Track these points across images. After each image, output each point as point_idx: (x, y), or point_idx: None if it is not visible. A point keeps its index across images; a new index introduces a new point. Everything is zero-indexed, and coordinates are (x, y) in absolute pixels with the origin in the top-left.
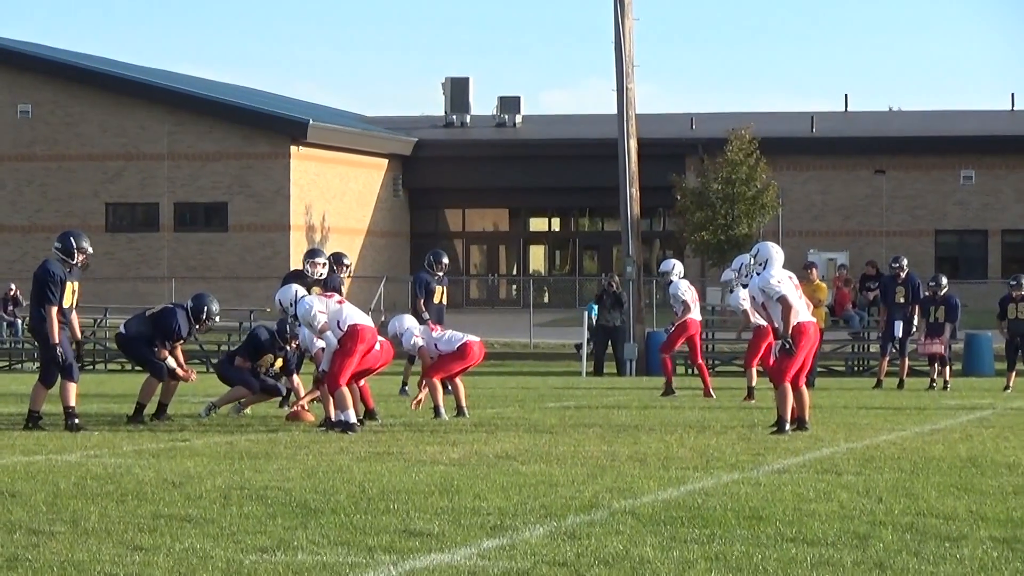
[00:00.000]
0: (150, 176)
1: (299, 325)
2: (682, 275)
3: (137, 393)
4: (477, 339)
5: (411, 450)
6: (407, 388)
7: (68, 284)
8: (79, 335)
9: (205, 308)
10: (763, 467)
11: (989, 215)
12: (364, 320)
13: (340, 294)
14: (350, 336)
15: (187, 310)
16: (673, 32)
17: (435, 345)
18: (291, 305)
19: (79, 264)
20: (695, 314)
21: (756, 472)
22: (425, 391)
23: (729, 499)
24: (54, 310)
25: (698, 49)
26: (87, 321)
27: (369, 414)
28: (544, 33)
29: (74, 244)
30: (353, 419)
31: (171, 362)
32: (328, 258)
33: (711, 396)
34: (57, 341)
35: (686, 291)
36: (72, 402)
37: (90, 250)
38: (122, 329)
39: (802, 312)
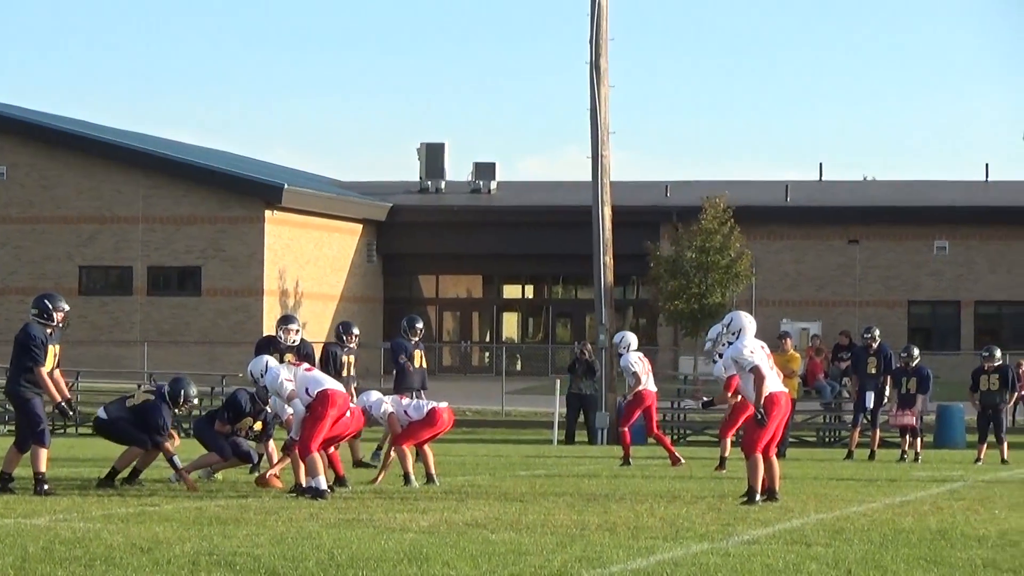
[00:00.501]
0: (124, 239)
1: (270, 394)
2: (633, 347)
3: (113, 458)
4: (445, 405)
5: (381, 517)
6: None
7: (50, 347)
8: (67, 393)
9: (183, 392)
10: (733, 538)
11: (962, 286)
12: (334, 386)
13: (312, 361)
14: (320, 401)
15: (165, 397)
16: (649, 100)
17: (404, 412)
18: (261, 375)
19: (59, 324)
20: (648, 385)
21: (726, 543)
22: (393, 459)
23: (698, 569)
24: (43, 371)
25: (673, 117)
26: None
27: (339, 481)
28: (520, 99)
29: (50, 306)
30: (323, 485)
31: (176, 461)
32: (302, 326)
33: (680, 461)
34: (60, 399)
35: (636, 363)
36: (43, 468)
37: (67, 308)
38: (102, 414)
39: (774, 382)
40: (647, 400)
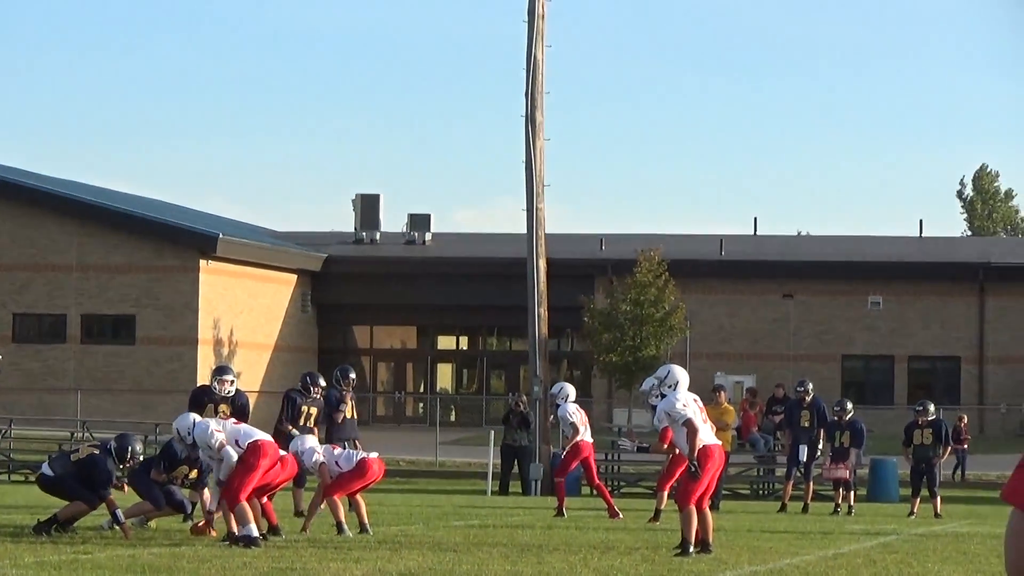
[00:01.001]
0: (58, 287)
1: (200, 449)
2: (571, 398)
3: (46, 505)
4: (376, 456)
5: (314, 567)
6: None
7: None
8: None
9: (129, 448)
10: None
11: (896, 341)
12: (264, 437)
13: (246, 414)
14: (252, 451)
15: (111, 452)
16: (584, 152)
17: (336, 463)
18: (188, 433)
19: None
20: (586, 436)
21: None
22: (324, 508)
23: None
24: None
25: (608, 170)
26: None
27: (273, 530)
28: (455, 152)
29: None
30: (255, 533)
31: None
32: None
33: (618, 515)
34: None
35: (574, 413)
36: None
37: (1, 358)
38: (47, 470)
39: (707, 435)
40: (584, 451)
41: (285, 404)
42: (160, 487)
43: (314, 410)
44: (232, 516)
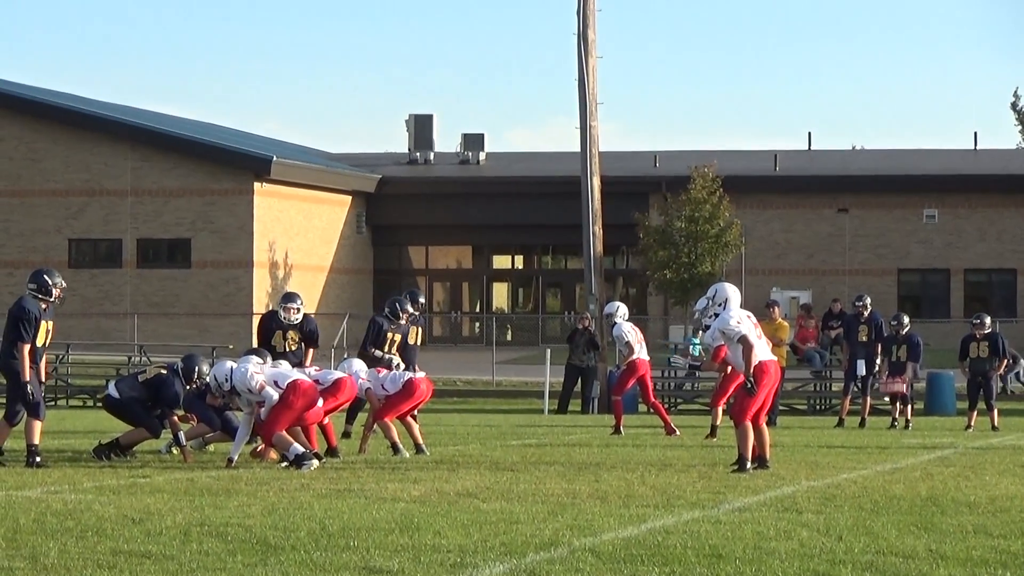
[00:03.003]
0: (113, 212)
1: (240, 394)
2: (626, 317)
3: (105, 430)
4: (423, 375)
5: (372, 487)
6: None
7: (43, 323)
8: (43, 376)
9: (196, 368)
10: (724, 505)
11: (952, 254)
12: (303, 377)
13: (314, 340)
14: (291, 390)
15: (178, 372)
16: (637, 70)
17: (382, 386)
18: (226, 380)
19: (55, 300)
20: (642, 354)
21: (717, 510)
22: (376, 431)
23: (689, 537)
24: (27, 348)
25: (662, 87)
26: (49, 356)
27: (331, 451)
28: (508, 71)
29: (48, 281)
30: (301, 449)
31: (181, 436)
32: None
33: (675, 432)
34: (28, 379)
35: (629, 332)
36: (36, 440)
37: (64, 284)
38: (113, 392)
39: (763, 351)
40: (641, 369)
41: (370, 329)
42: (217, 412)
43: (398, 336)
44: (272, 450)
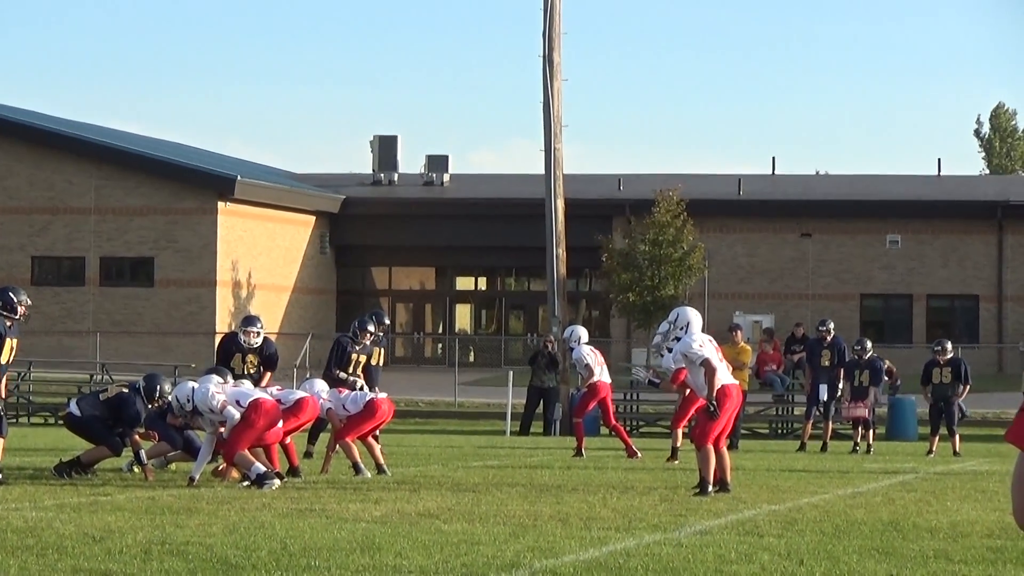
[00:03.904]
0: (76, 230)
1: (199, 415)
2: (584, 340)
3: (67, 448)
4: (384, 396)
5: (333, 507)
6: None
7: (8, 341)
8: (3, 394)
9: (158, 388)
10: (685, 528)
11: (914, 279)
12: (265, 396)
13: (273, 364)
14: (252, 409)
15: (140, 391)
16: (602, 93)
17: (343, 406)
18: (188, 401)
19: (20, 318)
20: (603, 377)
21: (678, 533)
22: (338, 451)
23: (650, 560)
24: None
25: (627, 110)
26: (10, 373)
27: (292, 471)
28: (473, 93)
29: (14, 299)
30: (262, 469)
31: (143, 455)
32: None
33: (636, 455)
34: (2, 397)
35: (588, 355)
36: None
37: (28, 302)
38: (74, 409)
39: (724, 375)
40: (602, 392)
41: (334, 350)
42: (179, 431)
43: (363, 357)
44: (234, 470)
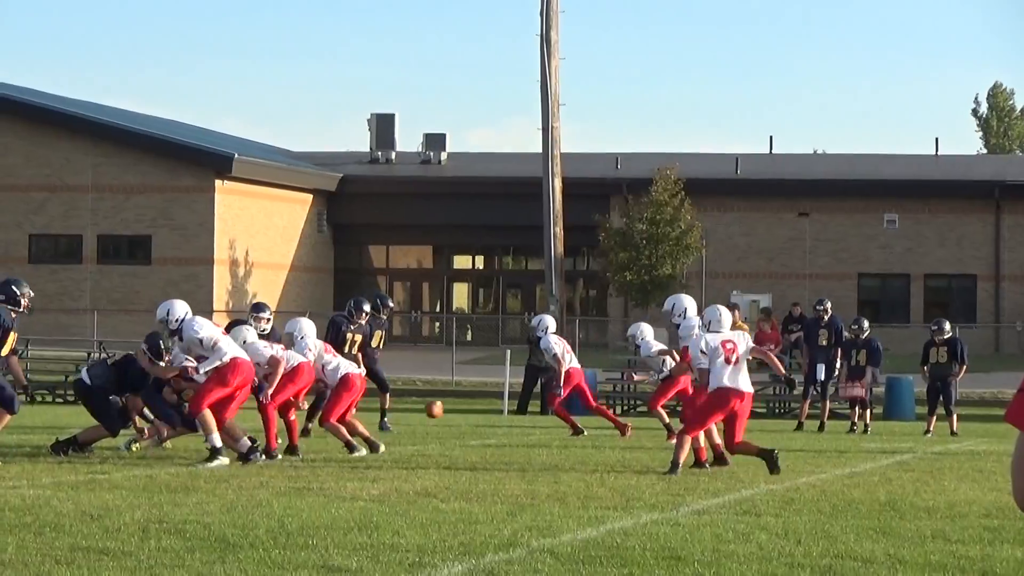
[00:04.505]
0: (74, 208)
1: (174, 344)
2: (552, 329)
3: (63, 426)
4: (359, 371)
5: (331, 486)
6: (387, 422)
7: (11, 332)
8: (22, 380)
9: (160, 343)
10: (682, 507)
11: (912, 259)
12: (244, 358)
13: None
14: (230, 368)
15: (146, 351)
16: (599, 72)
17: (323, 368)
18: (177, 321)
19: (24, 310)
20: (573, 364)
21: (675, 512)
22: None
23: (648, 539)
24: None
25: (624, 89)
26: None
27: (291, 449)
28: (470, 71)
29: (17, 292)
30: (219, 443)
31: (147, 413)
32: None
33: (627, 429)
34: (23, 383)
35: (555, 344)
36: None
37: (31, 294)
38: (85, 377)
39: (731, 377)
40: (575, 378)
41: (330, 329)
42: (175, 408)
43: (359, 337)
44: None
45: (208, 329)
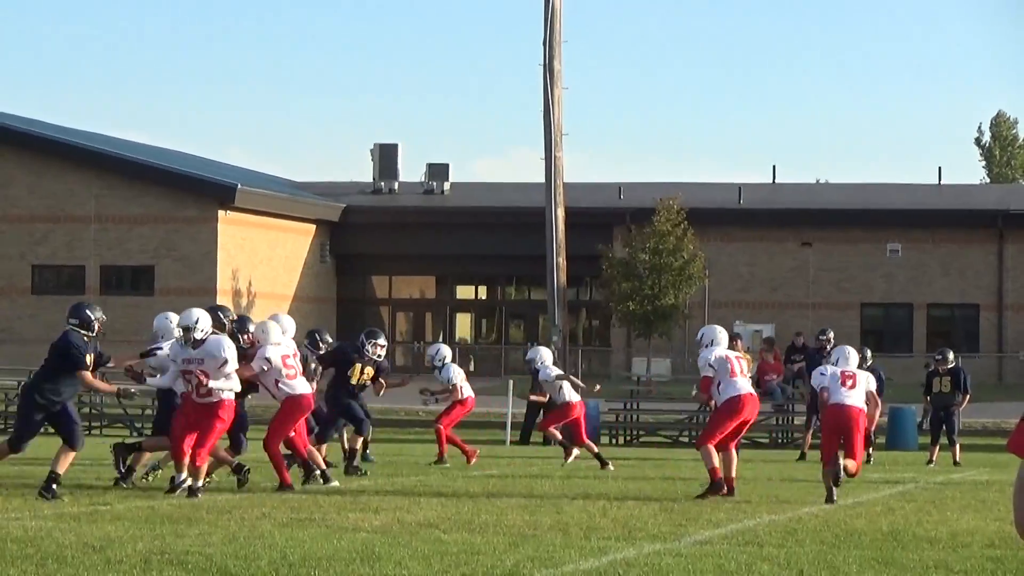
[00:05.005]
0: (77, 239)
1: (159, 343)
2: (548, 362)
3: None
4: (311, 391)
5: (333, 517)
6: (369, 454)
7: (88, 355)
8: (113, 387)
9: (89, 316)
10: (685, 538)
11: (915, 289)
12: (231, 400)
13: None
14: (222, 407)
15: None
16: (602, 101)
17: (276, 382)
18: (203, 332)
19: (97, 335)
20: (572, 396)
21: (678, 543)
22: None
23: (651, 570)
24: (86, 374)
25: (627, 118)
26: (11, 383)
27: (323, 476)
28: (473, 101)
29: (91, 316)
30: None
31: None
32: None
33: (608, 465)
34: (112, 390)
35: (553, 370)
36: (61, 469)
37: (104, 318)
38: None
39: (743, 385)
40: (576, 411)
41: (337, 354)
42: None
43: (370, 369)
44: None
45: (234, 357)
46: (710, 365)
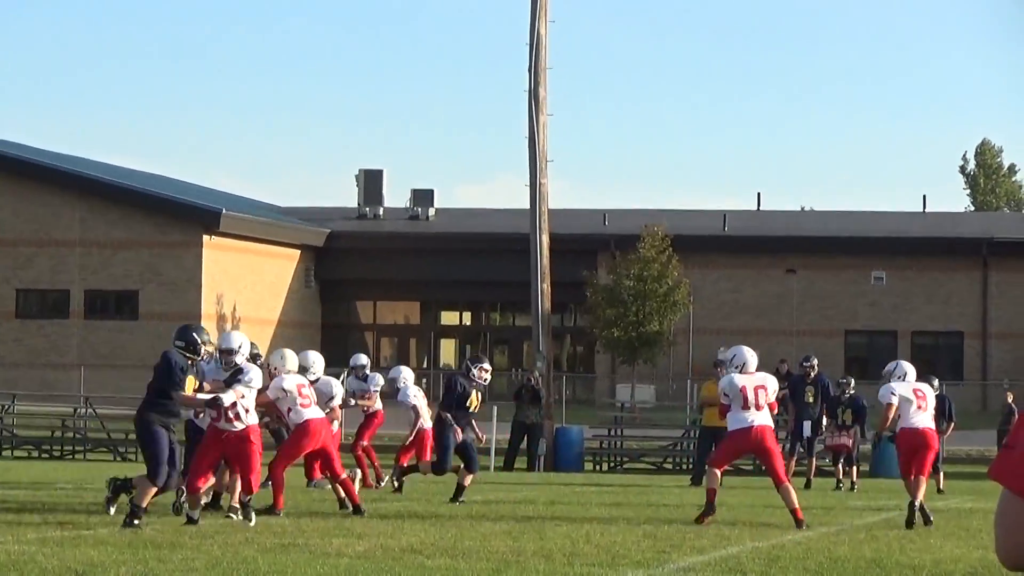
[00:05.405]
0: (61, 263)
1: (207, 362)
2: (410, 381)
3: (59, 482)
4: (321, 416)
5: (316, 542)
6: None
7: (189, 378)
8: (202, 401)
9: (196, 339)
10: (668, 565)
11: (899, 316)
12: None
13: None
14: (254, 432)
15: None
16: (587, 128)
17: (288, 410)
18: (245, 357)
19: (202, 359)
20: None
21: (661, 569)
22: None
23: None
24: (182, 395)
25: (612, 145)
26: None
27: (356, 509)
28: (458, 127)
29: (198, 339)
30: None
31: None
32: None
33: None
34: (203, 406)
35: (414, 396)
36: (144, 502)
37: (212, 342)
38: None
39: (753, 415)
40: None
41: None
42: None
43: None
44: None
45: (255, 384)
46: (724, 393)
